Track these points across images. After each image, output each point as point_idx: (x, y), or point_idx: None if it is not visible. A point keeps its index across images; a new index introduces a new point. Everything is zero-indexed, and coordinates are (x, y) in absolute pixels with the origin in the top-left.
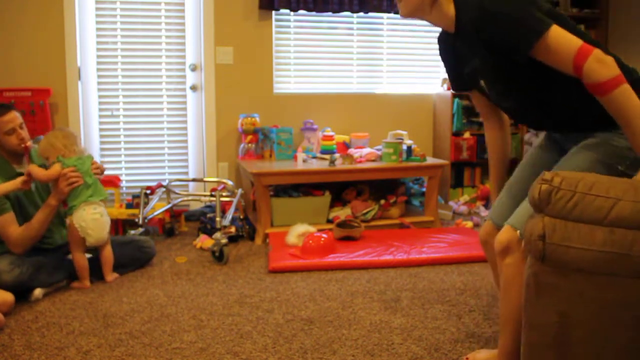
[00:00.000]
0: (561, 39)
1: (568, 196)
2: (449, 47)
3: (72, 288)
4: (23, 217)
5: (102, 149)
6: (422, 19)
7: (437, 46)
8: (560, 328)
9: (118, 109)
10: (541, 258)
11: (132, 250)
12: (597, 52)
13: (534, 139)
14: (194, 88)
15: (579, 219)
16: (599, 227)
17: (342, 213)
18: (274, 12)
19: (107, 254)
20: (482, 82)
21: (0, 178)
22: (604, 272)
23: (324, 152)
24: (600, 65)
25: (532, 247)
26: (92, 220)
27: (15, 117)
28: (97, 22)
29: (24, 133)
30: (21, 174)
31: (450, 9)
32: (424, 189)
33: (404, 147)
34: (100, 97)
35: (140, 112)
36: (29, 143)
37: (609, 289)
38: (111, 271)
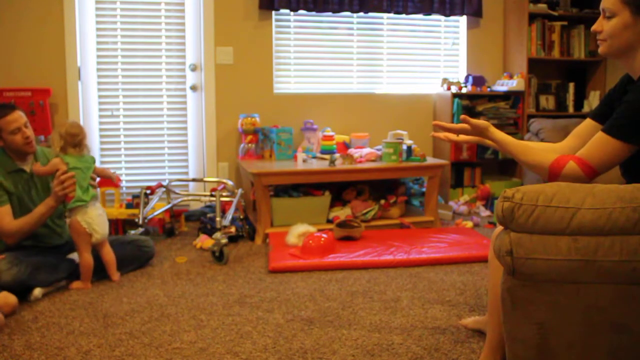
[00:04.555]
0: (606, 151)
1: (530, 210)
2: (621, 87)
3: (72, 288)
4: (22, 214)
5: (102, 149)
6: (616, 59)
7: (436, 46)
8: (541, 339)
9: (118, 109)
10: (511, 273)
11: (132, 250)
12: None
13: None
14: (194, 88)
15: (543, 231)
16: (563, 237)
17: (342, 213)
18: (274, 12)
19: (110, 254)
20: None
21: (0, 173)
22: (572, 280)
23: (324, 152)
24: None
25: (502, 263)
26: (97, 216)
27: (19, 116)
28: (97, 22)
29: (29, 132)
30: (23, 170)
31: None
32: (424, 189)
33: (404, 147)
34: (100, 97)
35: (140, 112)
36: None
37: (581, 296)
38: (116, 270)
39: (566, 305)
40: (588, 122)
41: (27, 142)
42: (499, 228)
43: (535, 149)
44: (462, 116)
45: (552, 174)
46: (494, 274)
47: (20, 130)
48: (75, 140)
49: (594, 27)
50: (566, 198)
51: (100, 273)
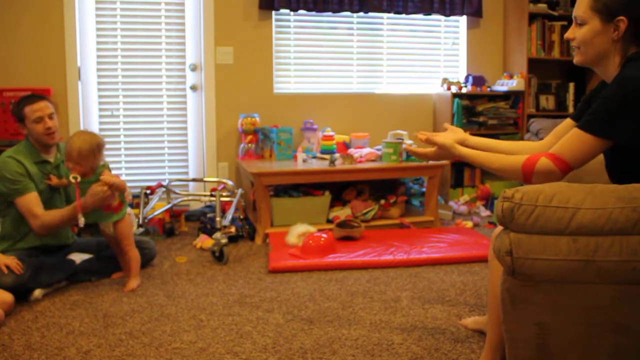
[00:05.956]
0: (579, 145)
1: (529, 210)
2: (598, 91)
3: (72, 288)
4: (44, 205)
5: None
6: (592, 67)
7: (436, 46)
8: (541, 339)
9: (118, 109)
10: (511, 273)
11: None
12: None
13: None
14: (194, 88)
15: (542, 231)
16: (562, 237)
17: (342, 213)
18: (274, 12)
19: (136, 254)
20: None
21: (27, 162)
22: (572, 280)
23: (324, 152)
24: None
25: (502, 263)
26: None
27: (44, 106)
28: (97, 22)
29: (52, 123)
30: (47, 162)
31: (615, 70)
32: (424, 189)
33: (404, 147)
34: (100, 97)
35: (140, 112)
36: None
37: (581, 296)
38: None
39: (566, 306)
40: (568, 121)
41: (47, 132)
42: (499, 228)
43: (503, 155)
44: (425, 138)
45: (526, 173)
46: (494, 274)
47: (43, 119)
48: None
49: (566, 35)
50: (566, 198)
51: (101, 274)
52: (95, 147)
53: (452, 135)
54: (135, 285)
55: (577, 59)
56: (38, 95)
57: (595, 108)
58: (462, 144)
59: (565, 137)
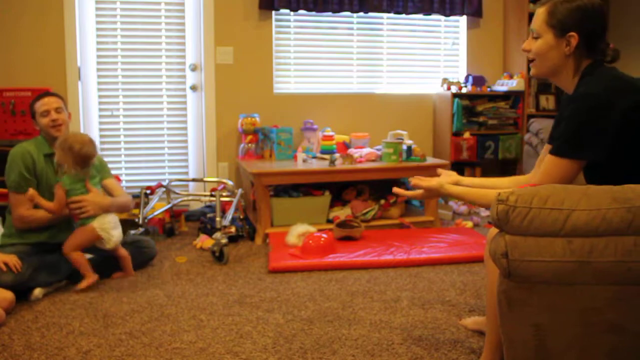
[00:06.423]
0: (558, 172)
1: (524, 213)
2: (564, 106)
3: (73, 288)
4: (50, 195)
5: (102, 149)
6: (550, 79)
7: (436, 46)
8: (539, 340)
9: (118, 109)
10: (507, 275)
11: (132, 251)
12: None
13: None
14: (194, 88)
15: (537, 233)
16: (557, 238)
17: (342, 213)
18: (274, 12)
19: (125, 251)
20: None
21: (37, 154)
22: (568, 282)
23: (324, 152)
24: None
25: (498, 265)
26: (113, 222)
27: (52, 100)
28: (97, 22)
29: (57, 116)
30: (53, 154)
31: (574, 82)
32: None
33: (404, 147)
34: (100, 97)
35: (140, 112)
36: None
37: (577, 297)
38: (131, 266)
39: (562, 307)
40: (547, 147)
41: (53, 125)
42: (494, 230)
43: (491, 190)
44: (414, 182)
45: None
46: (490, 275)
47: (49, 113)
48: (87, 163)
49: (523, 46)
50: (560, 200)
51: (102, 274)
52: (64, 147)
53: (445, 180)
54: (86, 285)
55: (532, 71)
56: (47, 92)
57: (561, 131)
58: (456, 185)
59: (542, 165)
